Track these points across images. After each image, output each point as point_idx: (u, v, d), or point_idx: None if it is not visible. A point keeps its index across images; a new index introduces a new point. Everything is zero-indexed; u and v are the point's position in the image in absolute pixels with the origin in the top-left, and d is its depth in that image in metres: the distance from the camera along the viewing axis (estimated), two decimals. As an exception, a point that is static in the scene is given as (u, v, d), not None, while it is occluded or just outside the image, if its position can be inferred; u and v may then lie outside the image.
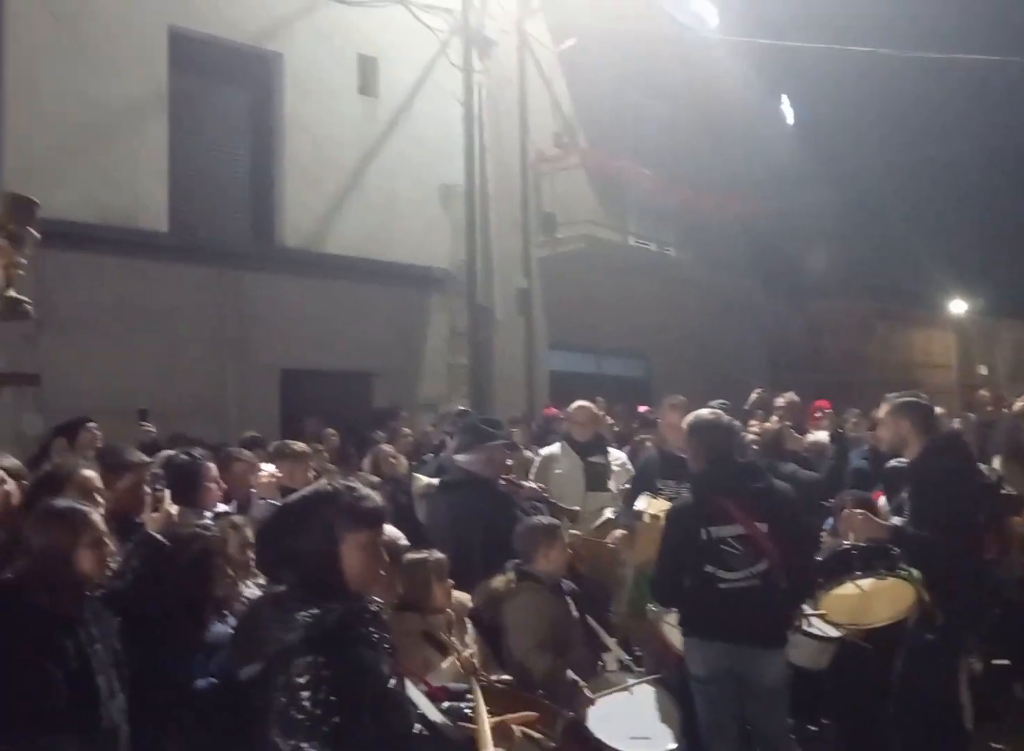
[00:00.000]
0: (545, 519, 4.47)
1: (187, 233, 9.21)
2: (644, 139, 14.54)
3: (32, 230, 2.05)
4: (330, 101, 10.29)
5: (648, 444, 7.05)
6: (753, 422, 7.94)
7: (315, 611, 2.23)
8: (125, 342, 8.30)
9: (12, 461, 4.21)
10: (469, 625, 3.90)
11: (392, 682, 2.35)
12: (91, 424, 6.49)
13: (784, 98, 17.73)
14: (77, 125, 8.39)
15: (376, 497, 2.52)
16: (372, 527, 2.42)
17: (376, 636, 2.35)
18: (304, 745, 2.10)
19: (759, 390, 9.22)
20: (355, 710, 2.18)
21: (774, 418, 7.58)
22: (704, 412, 4.24)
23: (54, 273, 7.07)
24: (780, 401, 7.73)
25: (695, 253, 14.40)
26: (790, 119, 17.93)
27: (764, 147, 15.83)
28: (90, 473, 3.48)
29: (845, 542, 4.13)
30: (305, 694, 2.13)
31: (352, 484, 2.52)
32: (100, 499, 3.41)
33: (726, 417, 4.22)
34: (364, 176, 10.53)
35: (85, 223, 8.02)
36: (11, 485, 3.67)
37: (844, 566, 4.00)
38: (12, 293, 2.03)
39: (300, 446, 5.29)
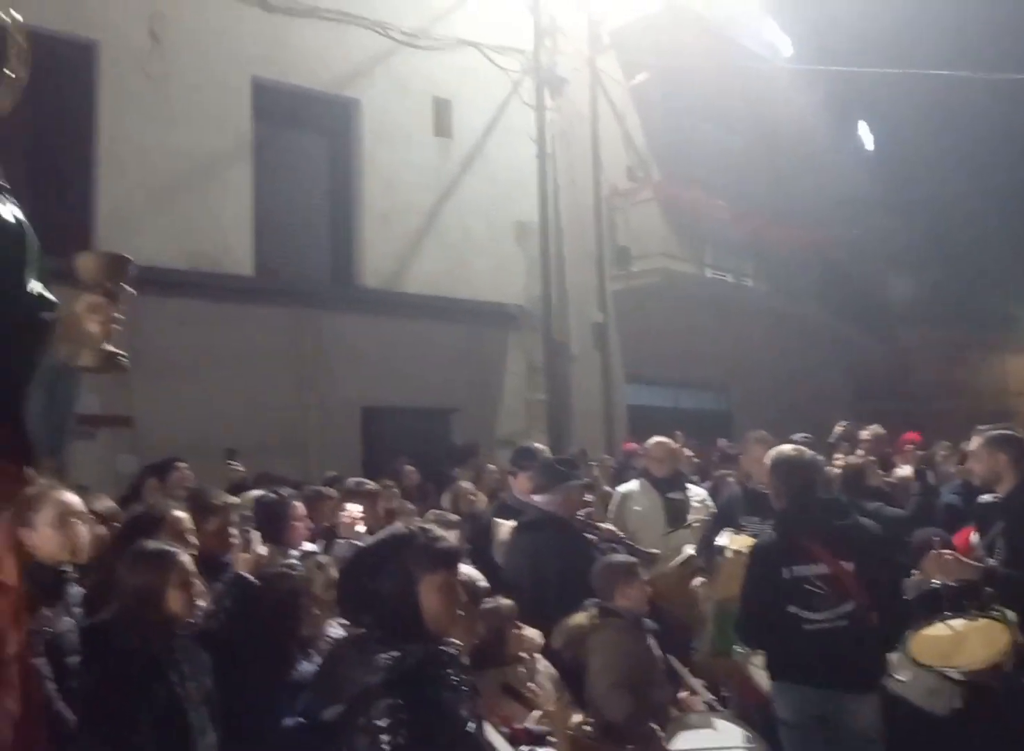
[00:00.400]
0: (622, 557, 4.43)
1: (270, 276, 9.50)
2: (718, 170, 14.47)
3: (126, 286, 2.14)
4: (406, 144, 10.53)
5: (730, 479, 6.94)
6: (838, 456, 7.75)
7: (395, 653, 2.25)
8: (212, 383, 8.56)
9: (107, 504, 4.37)
10: (542, 662, 3.87)
11: (471, 725, 2.35)
12: (181, 464, 6.68)
13: (861, 124, 17.48)
14: (166, 176, 8.75)
15: (451, 538, 2.54)
16: (448, 568, 2.43)
17: (455, 679, 2.36)
18: None
19: (843, 422, 9.02)
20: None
21: (859, 451, 7.40)
22: (786, 448, 4.17)
23: (145, 318, 7.35)
24: (865, 434, 7.54)
25: (773, 283, 14.22)
26: (868, 145, 17.66)
27: (841, 174, 15.62)
28: (181, 515, 3.59)
29: (934, 581, 4.00)
30: (384, 737, 2.16)
31: (427, 526, 2.56)
32: (191, 540, 3.53)
33: (808, 452, 4.13)
34: (440, 216, 10.72)
35: (174, 269, 8.33)
36: (103, 529, 3.81)
37: (933, 606, 3.87)
38: (109, 347, 2.12)
39: (371, 485, 5.35)
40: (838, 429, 8.55)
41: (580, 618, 4.01)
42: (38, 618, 2.79)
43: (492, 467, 8.21)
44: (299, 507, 4.40)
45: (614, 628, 3.99)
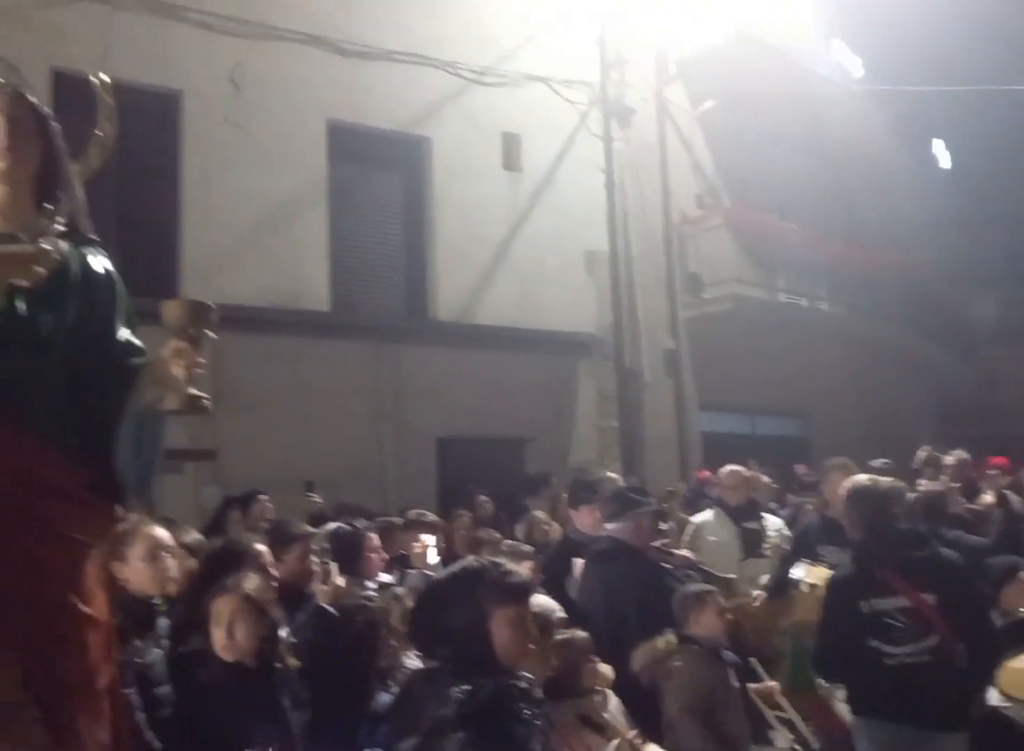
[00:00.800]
0: (696, 585, 4.40)
1: (347, 312, 9.74)
2: (789, 195, 14.33)
3: (209, 332, 2.25)
4: (477, 179, 10.71)
5: (809, 507, 6.83)
6: (921, 482, 7.56)
7: (467, 687, 2.28)
8: (292, 416, 8.79)
9: (194, 536, 4.52)
10: (613, 697, 3.86)
11: None
12: (263, 496, 6.87)
13: (936, 143, 17.13)
14: (247, 218, 9.08)
15: (524, 570, 2.57)
16: (519, 602, 2.46)
17: (527, 712, 2.38)
18: None
19: (926, 447, 8.80)
20: None
21: (943, 477, 7.21)
22: (861, 477, 4.10)
23: (229, 354, 7.61)
24: (949, 459, 7.35)
25: (850, 306, 13.97)
26: (944, 164, 17.28)
27: (917, 194, 15.32)
28: (261, 548, 3.71)
29: (1022, 610, 3.88)
30: None
31: (498, 560, 2.60)
32: (273, 572, 3.63)
33: (885, 481, 4.05)
34: (511, 248, 10.85)
35: (255, 307, 8.61)
36: (192, 561, 3.94)
37: (1019, 637, 3.75)
38: (193, 391, 2.23)
39: (431, 517, 5.39)
40: (921, 454, 8.35)
41: (659, 643, 4.01)
42: (128, 649, 2.91)
43: (566, 496, 8.20)
44: (374, 538, 4.46)
45: (689, 654, 3.97)
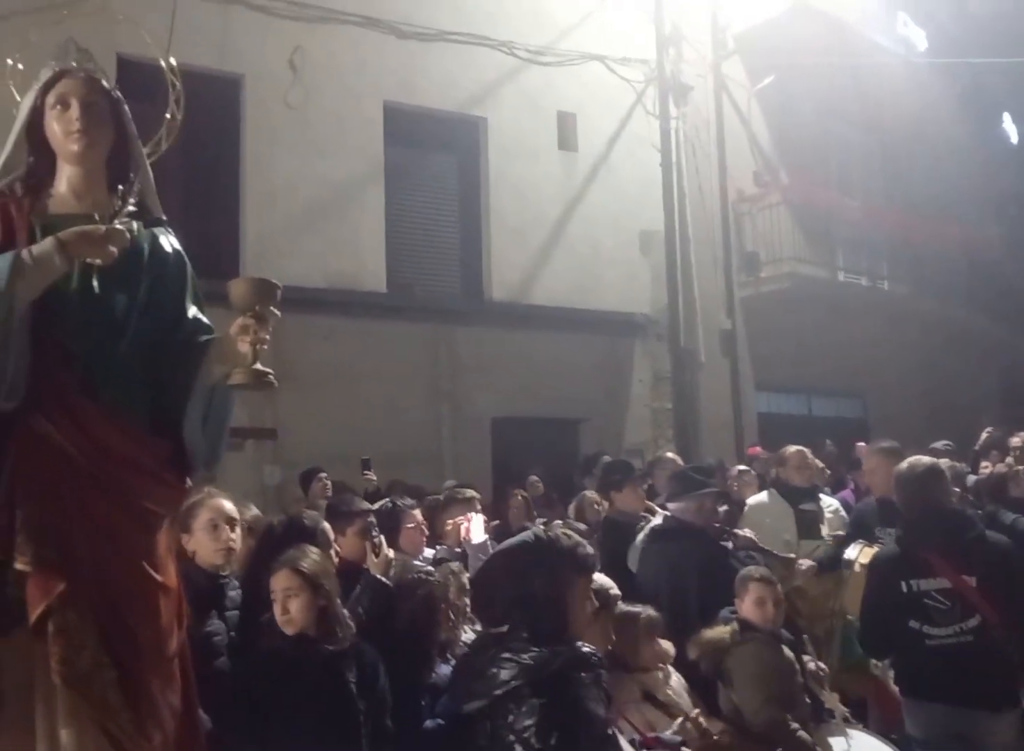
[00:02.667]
0: (756, 569, 4.39)
1: (403, 292, 9.81)
2: (850, 170, 14.05)
3: (274, 309, 2.31)
4: (532, 159, 10.68)
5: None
6: (985, 464, 7.42)
7: (540, 653, 2.33)
8: (351, 396, 8.91)
9: (255, 512, 4.64)
10: (675, 676, 3.88)
11: (610, 729, 2.42)
12: (323, 474, 7.03)
13: (1006, 116, 16.62)
14: (306, 200, 9.19)
15: (587, 544, 2.61)
16: (590, 573, 2.58)
17: (597, 681, 2.42)
18: None
19: (990, 429, 8.62)
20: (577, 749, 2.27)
21: (1008, 459, 7.07)
22: (912, 459, 4.07)
23: (288, 335, 7.73)
24: (1016, 441, 7.20)
25: (913, 285, 13.66)
26: (1014, 138, 16.76)
27: (985, 170, 14.89)
28: (325, 524, 3.79)
29: None
30: (531, 733, 2.24)
31: (567, 531, 2.64)
32: (336, 547, 3.72)
33: (934, 462, 4.01)
34: (566, 228, 10.82)
35: (315, 288, 8.72)
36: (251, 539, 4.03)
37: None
38: (259, 367, 2.29)
39: (470, 492, 5.38)
40: (984, 435, 8.19)
41: (721, 632, 3.99)
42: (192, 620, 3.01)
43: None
44: (415, 515, 4.46)
45: (757, 643, 3.95)
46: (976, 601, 3.60)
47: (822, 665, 4.30)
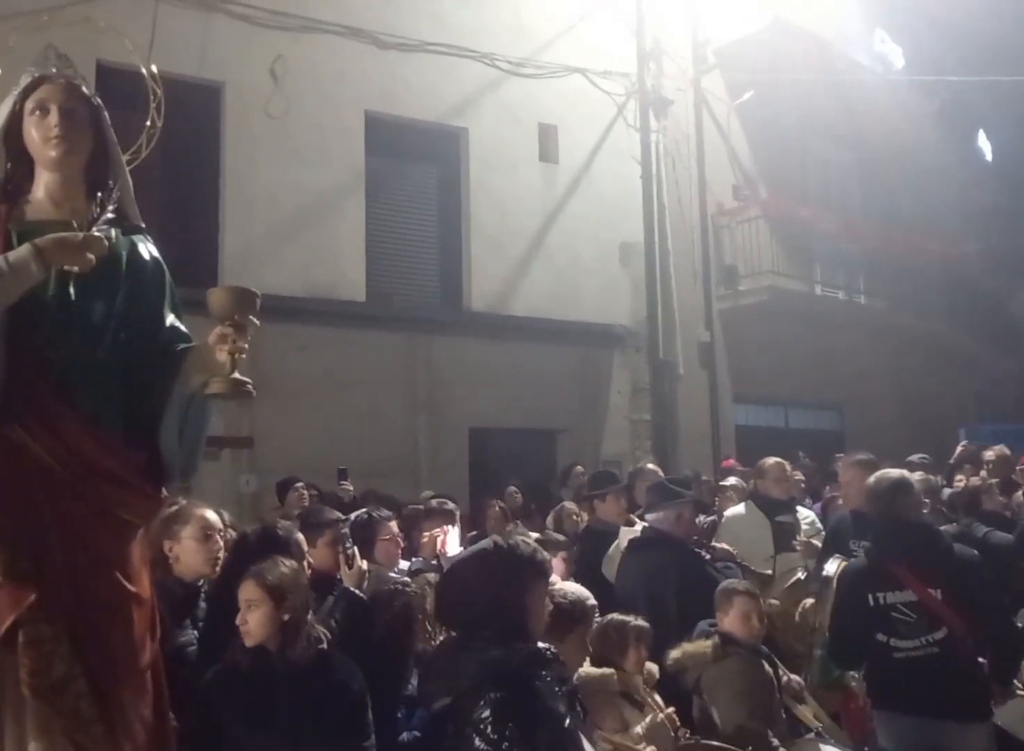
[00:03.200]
0: (740, 583, 4.40)
1: (382, 302, 9.80)
2: (829, 185, 14.19)
3: (253, 318, 2.31)
4: (512, 170, 10.71)
5: (840, 502, 6.78)
6: (960, 477, 7.50)
7: (501, 651, 2.39)
8: (328, 406, 8.87)
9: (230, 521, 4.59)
10: (655, 695, 3.88)
11: (567, 722, 2.46)
12: (299, 484, 6.98)
13: (980, 134, 16.85)
14: (286, 209, 9.15)
15: (542, 550, 2.68)
16: (547, 577, 2.65)
17: (556, 677, 2.47)
18: None
19: (964, 442, 8.72)
20: (532, 744, 2.31)
21: (982, 473, 7.14)
22: (881, 472, 4.10)
23: (265, 344, 7.69)
24: (989, 454, 7.27)
25: (890, 299, 13.81)
26: (988, 155, 16.99)
27: (962, 185, 15.08)
28: (299, 535, 3.77)
29: None
30: (490, 729, 2.28)
31: (522, 538, 2.70)
32: (309, 559, 3.70)
33: (903, 476, 4.03)
34: (546, 240, 10.85)
35: (292, 297, 8.68)
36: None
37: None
38: (237, 376, 2.28)
39: (450, 504, 5.37)
40: (960, 449, 8.28)
41: (702, 645, 4.00)
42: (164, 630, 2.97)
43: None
44: (390, 526, 4.44)
45: (739, 659, 3.96)
46: (942, 613, 3.63)
47: (797, 679, 4.32)
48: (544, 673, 2.43)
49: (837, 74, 12.68)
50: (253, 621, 2.97)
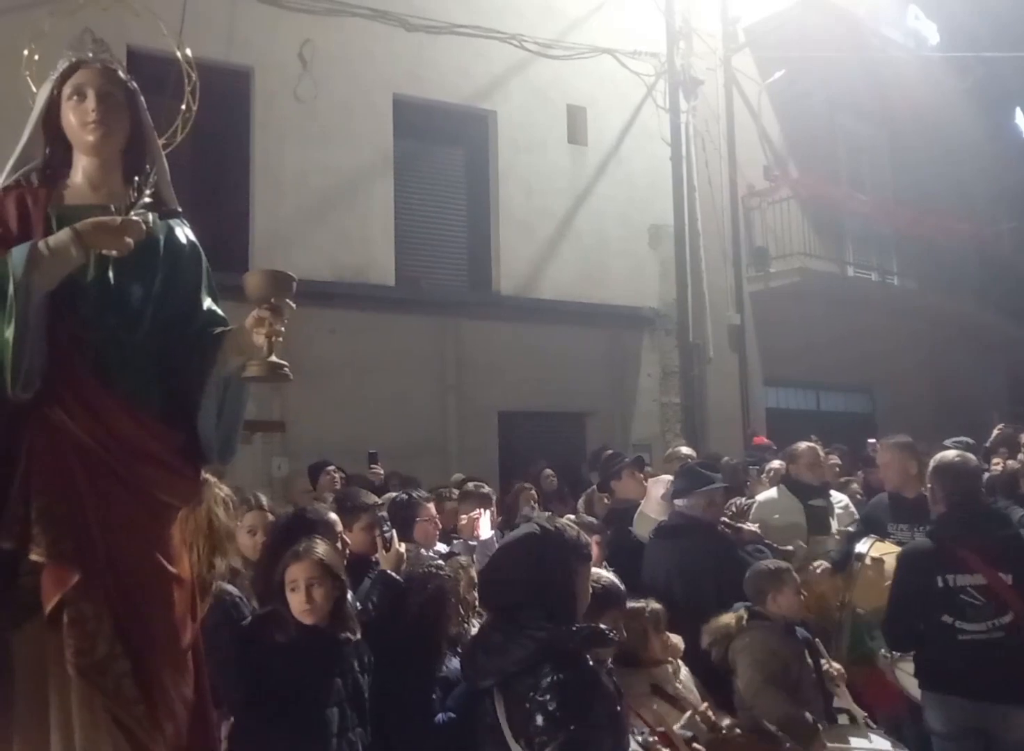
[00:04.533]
0: (773, 563, 4.38)
1: (411, 286, 9.81)
2: (861, 165, 14.01)
3: (290, 301, 2.31)
4: (541, 152, 10.66)
5: (853, 488, 6.73)
6: (996, 461, 7.40)
7: (558, 629, 2.44)
8: (358, 389, 8.91)
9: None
10: (684, 669, 3.88)
11: (620, 705, 2.53)
12: (331, 467, 7.03)
13: (1017, 111, 16.53)
14: (315, 193, 9.18)
15: (585, 535, 2.69)
16: (591, 562, 2.71)
17: (597, 659, 2.52)
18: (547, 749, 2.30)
19: (1001, 425, 8.59)
20: (590, 721, 2.37)
21: (1020, 456, 7.06)
22: (949, 453, 4.06)
23: (297, 328, 7.71)
24: (1026, 438, 7.18)
25: (922, 280, 13.63)
26: (1023, 133, 16.68)
27: (996, 164, 14.82)
28: (334, 517, 3.80)
29: None
30: (551, 704, 2.33)
31: (567, 523, 2.72)
32: (345, 539, 3.72)
33: (972, 458, 4.01)
34: (575, 222, 10.80)
35: (323, 281, 8.71)
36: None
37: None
38: (274, 359, 2.28)
39: (486, 488, 5.38)
40: (996, 432, 8.17)
41: (727, 618, 4.01)
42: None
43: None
44: (429, 508, 4.47)
45: (761, 629, 3.97)
46: (1010, 598, 3.60)
47: (838, 666, 4.27)
48: (602, 652, 2.51)
49: (869, 51, 12.48)
50: (319, 597, 3.01)
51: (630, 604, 3.75)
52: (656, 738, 3.26)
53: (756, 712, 3.74)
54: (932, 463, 4.02)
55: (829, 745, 3.70)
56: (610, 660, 2.86)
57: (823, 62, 11.88)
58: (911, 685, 4.06)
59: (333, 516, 3.81)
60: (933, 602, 3.69)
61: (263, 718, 2.93)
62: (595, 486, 6.70)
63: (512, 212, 10.44)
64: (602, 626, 2.55)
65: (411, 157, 10.10)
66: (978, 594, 3.63)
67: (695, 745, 3.28)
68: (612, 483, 5.78)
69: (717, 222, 11.90)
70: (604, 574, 3.61)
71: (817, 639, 4.35)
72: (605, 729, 2.40)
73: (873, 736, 3.89)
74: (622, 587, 3.72)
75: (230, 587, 3.30)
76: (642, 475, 5.78)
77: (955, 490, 3.84)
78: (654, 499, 5.19)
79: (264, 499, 4.37)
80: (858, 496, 6.22)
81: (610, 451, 8.31)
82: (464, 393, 9.79)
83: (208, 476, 2.57)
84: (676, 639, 3.92)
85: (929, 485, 4.02)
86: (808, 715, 3.73)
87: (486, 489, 5.34)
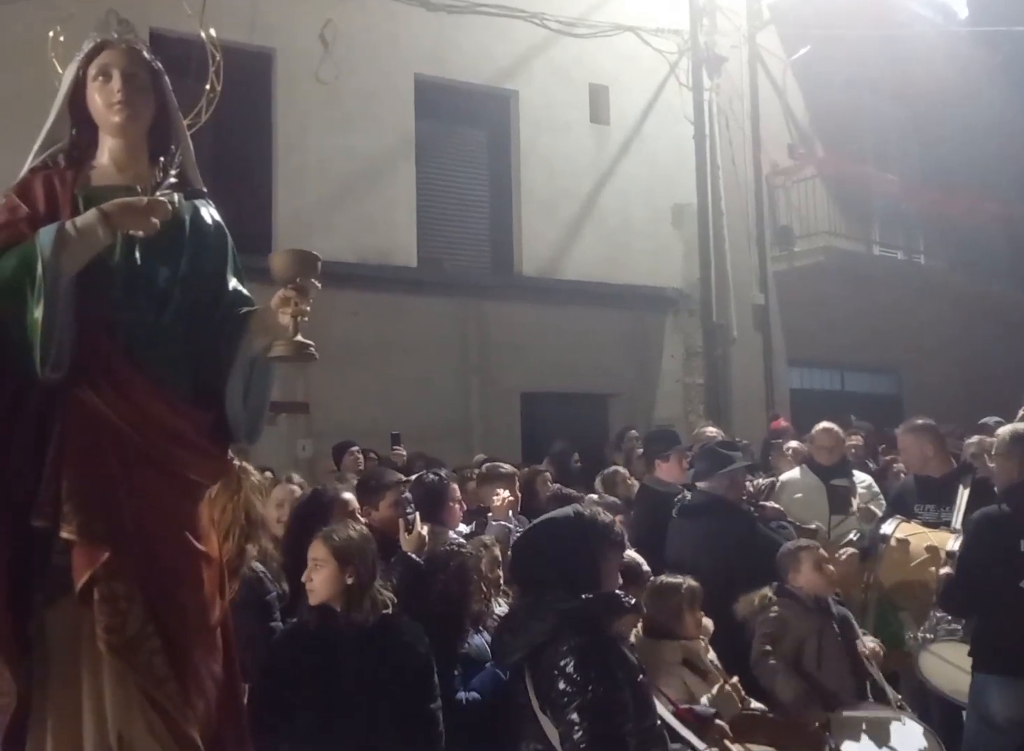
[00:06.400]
0: (793, 543, 4.36)
1: (433, 267, 9.80)
2: (887, 143, 13.82)
3: (315, 281, 2.32)
4: (563, 132, 10.59)
5: (897, 466, 6.67)
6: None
7: (579, 601, 2.51)
8: (381, 370, 8.94)
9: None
10: (711, 653, 3.88)
11: (643, 676, 2.59)
12: (355, 448, 7.07)
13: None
14: (337, 175, 9.17)
15: (618, 523, 2.71)
16: (622, 549, 2.82)
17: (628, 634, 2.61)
18: (572, 716, 2.35)
19: (1029, 407, 8.48)
20: (612, 684, 2.41)
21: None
22: (1014, 425, 4.10)
23: (320, 310, 7.72)
24: (1057, 420, 7.08)
25: (949, 259, 13.47)
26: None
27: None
28: (348, 496, 3.82)
29: None
30: (573, 670, 2.39)
31: (601, 509, 2.74)
32: (362, 519, 3.74)
33: None
34: (597, 202, 10.74)
35: (346, 263, 8.70)
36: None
37: None
38: (300, 338, 2.29)
39: (508, 468, 5.31)
40: (1021, 413, 8.08)
41: (755, 595, 4.02)
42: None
43: (640, 452, 8.12)
44: (455, 488, 4.46)
45: (782, 605, 3.97)
46: None
47: (873, 647, 4.21)
48: (620, 623, 2.59)
49: (896, 27, 12.27)
50: (318, 580, 3.03)
51: (667, 579, 3.78)
52: (678, 711, 3.27)
53: (762, 683, 3.78)
54: (1006, 434, 3.97)
55: (845, 713, 3.68)
56: (635, 634, 2.90)
57: (849, 38, 11.70)
58: (934, 672, 4.02)
59: (348, 495, 3.84)
60: (1011, 567, 3.60)
61: (276, 696, 2.96)
62: (615, 467, 6.67)
63: (534, 193, 10.39)
64: (618, 592, 2.62)
65: (433, 138, 10.07)
66: None
67: (718, 721, 3.28)
68: (657, 461, 5.65)
69: (741, 201, 11.79)
70: (627, 553, 3.61)
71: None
72: (627, 695, 2.44)
73: (906, 719, 3.84)
74: (645, 567, 3.73)
75: (255, 563, 3.33)
76: (687, 463, 5.69)
77: None
78: None
79: (296, 477, 4.41)
80: (902, 474, 6.13)
81: (636, 434, 8.29)
82: (487, 374, 9.79)
83: (245, 464, 2.59)
84: (707, 621, 3.93)
85: (1007, 455, 3.94)
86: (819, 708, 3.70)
87: (509, 469, 5.28)
